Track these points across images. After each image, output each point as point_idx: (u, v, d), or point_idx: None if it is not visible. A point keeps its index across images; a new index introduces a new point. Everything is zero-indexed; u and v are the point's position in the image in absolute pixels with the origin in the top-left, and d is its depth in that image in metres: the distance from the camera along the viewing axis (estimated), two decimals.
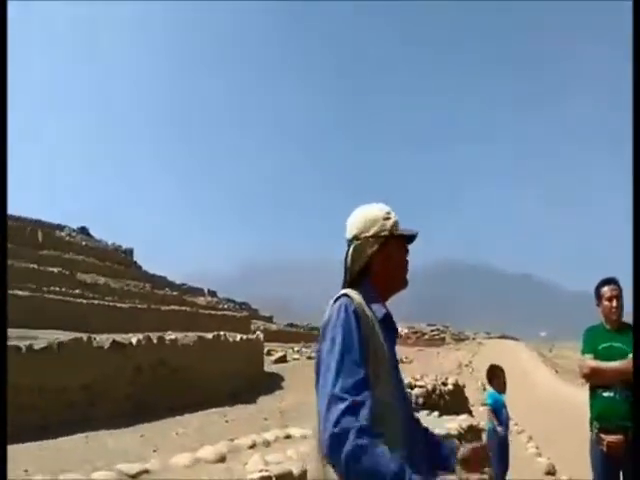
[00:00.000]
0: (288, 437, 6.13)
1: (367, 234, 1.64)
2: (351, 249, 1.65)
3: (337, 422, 1.26)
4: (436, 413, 7.98)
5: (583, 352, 3.56)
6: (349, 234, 1.68)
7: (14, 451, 5.83)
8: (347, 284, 1.65)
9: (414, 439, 1.52)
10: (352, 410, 1.28)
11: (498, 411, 5.15)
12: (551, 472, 8.13)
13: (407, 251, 1.70)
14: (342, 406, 1.28)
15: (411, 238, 1.70)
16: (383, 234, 1.64)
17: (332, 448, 1.26)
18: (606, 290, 3.51)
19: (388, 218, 1.67)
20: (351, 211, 1.75)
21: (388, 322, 1.57)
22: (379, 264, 1.63)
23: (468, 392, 13.22)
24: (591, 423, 3.51)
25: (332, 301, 1.54)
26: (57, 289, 21.16)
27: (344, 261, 1.67)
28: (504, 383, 5.35)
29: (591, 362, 3.45)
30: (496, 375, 5.40)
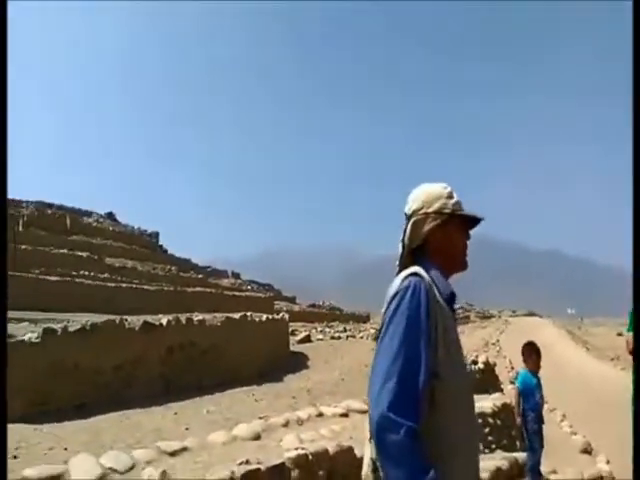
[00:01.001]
0: (320, 415, 6.14)
1: (428, 210, 1.59)
2: (410, 224, 1.60)
3: (390, 407, 1.25)
4: None
5: (629, 329, 3.46)
6: (409, 209, 1.62)
7: (52, 430, 5.99)
8: (404, 260, 1.59)
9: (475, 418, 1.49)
10: (406, 400, 1.27)
11: (529, 393, 4.94)
12: (587, 450, 7.99)
13: (468, 235, 1.64)
14: (398, 392, 1.27)
15: (473, 222, 1.63)
16: (445, 211, 1.58)
17: (380, 431, 1.26)
18: None
19: (451, 197, 1.61)
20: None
21: (452, 302, 1.52)
22: (438, 241, 1.58)
23: (497, 370, 13.09)
24: (634, 399, 3.38)
25: (401, 278, 1.48)
26: (86, 273, 21.62)
27: (402, 236, 1.62)
28: (539, 362, 5.13)
29: None
30: (531, 353, 5.16)
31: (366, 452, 1.45)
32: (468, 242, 1.63)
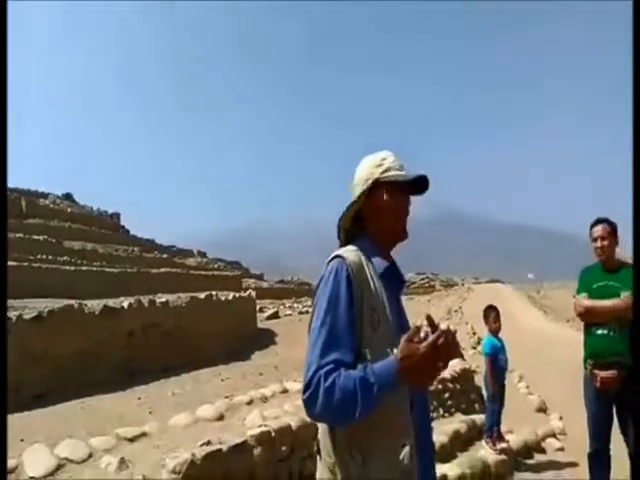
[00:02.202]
0: (285, 392, 6.19)
1: (358, 182, 1.55)
2: (355, 197, 1.55)
3: (306, 387, 1.26)
4: None
5: (578, 291, 3.58)
6: (349, 187, 1.58)
7: (10, 421, 5.83)
8: (343, 241, 1.56)
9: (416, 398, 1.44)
10: (327, 369, 1.27)
11: (497, 356, 5.10)
12: (542, 409, 8.42)
13: (407, 200, 1.54)
14: (319, 364, 1.27)
15: (411, 185, 1.52)
16: (369, 180, 1.51)
17: (308, 411, 1.28)
18: (594, 230, 3.49)
19: (380, 165, 1.53)
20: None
21: (391, 275, 1.49)
22: (368, 213, 1.53)
23: (459, 337, 13.51)
24: (585, 360, 3.54)
25: (326, 262, 1.46)
26: (44, 257, 20.90)
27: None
28: (499, 323, 5.25)
29: (586, 301, 3.47)
30: (490, 315, 5.27)
31: (318, 470, 1.45)
32: (410, 209, 1.54)
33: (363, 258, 1.44)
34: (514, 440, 5.46)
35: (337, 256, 1.44)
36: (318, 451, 1.45)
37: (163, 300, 10.96)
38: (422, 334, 1.26)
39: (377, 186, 1.51)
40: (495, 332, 5.24)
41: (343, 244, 1.55)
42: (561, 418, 7.42)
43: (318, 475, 1.45)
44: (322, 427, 1.43)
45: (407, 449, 1.33)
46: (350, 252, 1.45)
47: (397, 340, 1.30)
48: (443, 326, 1.38)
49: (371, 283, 1.41)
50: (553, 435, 6.43)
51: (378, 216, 1.52)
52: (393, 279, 1.50)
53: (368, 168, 1.55)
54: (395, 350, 1.28)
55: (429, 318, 1.33)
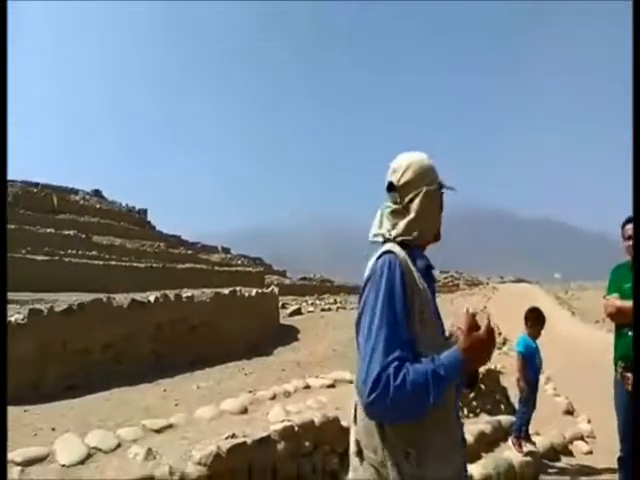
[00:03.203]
0: (307, 387, 6.22)
1: (419, 182, 1.55)
2: (400, 194, 1.56)
3: (374, 386, 1.24)
4: None
5: (609, 291, 3.47)
6: (397, 179, 1.57)
7: (41, 411, 6.03)
8: (382, 236, 1.56)
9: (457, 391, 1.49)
10: (395, 366, 1.26)
11: (531, 357, 5.01)
12: (569, 411, 8.23)
13: (442, 204, 1.61)
14: (384, 362, 1.26)
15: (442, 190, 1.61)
16: (433, 184, 1.56)
17: (374, 410, 1.27)
18: (626, 229, 3.39)
19: (434, 168, 1.59)
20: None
21: (428, 274, 1.51)
22: (420, 213, 1.54)
23: None
24: (615, 363, 3.44)
25: (375, 257, 1.47)
26: (74, 252, 21.45)
27: (388, 205, 1.59)
28: (540, 330, 5.13)
29: (616, 301, 3.36)
30: (535, 320, 5.14)
31: (351, 433, 1.46)
32: (442, 211, 1.61)
33: (407, 256, 1.46)
34: (540, 442, 5.36)
35: (388, 252, 1.45)
36: (359, 452, 1.41)
37: (189, 295, 11.13)
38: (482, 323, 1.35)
39: (437, 190, 1.57)
40: (534, 336, 5.12)
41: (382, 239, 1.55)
42: (589, 421, 7.25)
43: (356, 476, 1.42)
44: (366, 427, 1.40)
45: (458, 447, 1.38)
46: (398, 249, 1.47)
47: (441, 339, 1.42)
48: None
49: (418, 281, 1.43)
50: (581, 438, 6.29)
51: (426, 217, 1.54)
52: (429, 278, 1.52)
53: (427, 170, 1.57)
54: (442, 348, 1.34)
55: (469, 312, 1.40)
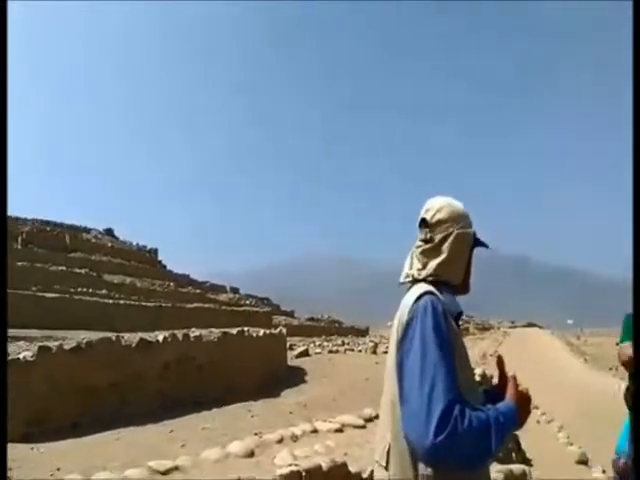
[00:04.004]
0: (315, 431, 6.14)
1: (455, 226, 1.55)
2: (435, 235, 1.56)
3: (440, 428, 1.20)
4: None
5: (622, 339, 3.44)
6: (432, 218, 1.57)
7: (47, 450, 5.99)
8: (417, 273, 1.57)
9: None
10: (454, 416, 1.23)
11: None
12: (583, 461, 7.98)
13: (471, 255, 1.62)
14: (446, 404, 1.23)
15: (476, 244, 1.62)
16: (469, 232, 1.58)
17: (439, 454, 1.21)
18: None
19: (469, 217, 1.60)
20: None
21: (458, 318, 1.52)
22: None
23: (494, 383, 13.05)
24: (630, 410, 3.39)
25: (415, 296, 1.44)
26: (85, 290, 21.62)
27: (421, 244, 1.59)
28: None
29: (631, 349, 3.34)
30: None
31: (376, 476, 1.46)
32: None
33: (442, 298, 1.46)
34: None
35: (429, 292, 1.45)
36: None
37: (197, 334, 11.12)
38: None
39: (472, 239, 1.59)
40: None
41: (414, 279, 1.56)
42: (604, 471, 7.02)
43: None
44: (404, 472, 1.36)
45: None
46: (434, 291, 1.47)
47: (476, 384, 1.47)
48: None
49: (453, 324, 1.43)
50: None
51: (456, 259, 1.54)
52: (458, 324, 1.52)
53: (461, 214, 1.58)
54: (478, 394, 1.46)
55: (500, 360, 1.54)
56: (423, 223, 1.58)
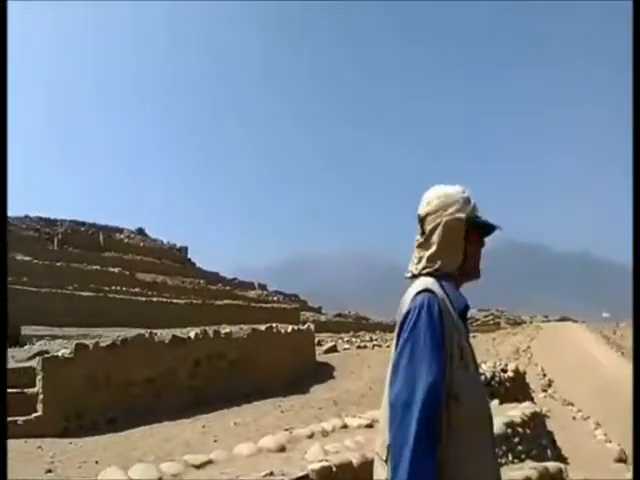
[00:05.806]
0: (345, 427, 6.14)
1: (445, 214, 1.51)
2: (427, 227, 1.53)
3: (415, 439, 1.24)
4: (496, 401, 7.75)
5: None
6: (423, 210, 1.56)
7: (85, 444, 6.19)
8: (418, 272, 1.54)
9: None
10: (428, 430, 1.26)
11: None
12: (622, 459, 7.74)
13: (483, 242, 1.56)
14: (421, 421, 1.25)
15: (489, 229, 1.55)
16: (462, 217, 1.51)
17: (404, 461, 1.25)
18: None
19: (468, 202, 1.54)
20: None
21: (464, 314, 1.48)
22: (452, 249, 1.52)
23: (528, 378, 12.81)
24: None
25: (412, 295, 1.44)
26: (118, 289, 22.19)
27: (419, 239, 1.56)
28: None
29: None
30: None
31: (379, 471, 1.43)
32: (483, 249, 1.55)
33: (444, 294, 1.43)
34: None
35: (426, 290, 1.42)
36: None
37: (227, 331, 11.29)
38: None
39: (467, 224, 1.52)
40: None
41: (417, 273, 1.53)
42: None
43: None
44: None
45: None
46: (436, 287, 1.43)
47: (481, 382, 1.42)
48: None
49: (456, 322, 1.41)
50: None
51: (447, 248, 1.50)
52: (464, 317, 1.48)
53: (458, 203, 1.53)
54: (481, 388, 1.42)
55: None
56: (418, 218, 1.57)
